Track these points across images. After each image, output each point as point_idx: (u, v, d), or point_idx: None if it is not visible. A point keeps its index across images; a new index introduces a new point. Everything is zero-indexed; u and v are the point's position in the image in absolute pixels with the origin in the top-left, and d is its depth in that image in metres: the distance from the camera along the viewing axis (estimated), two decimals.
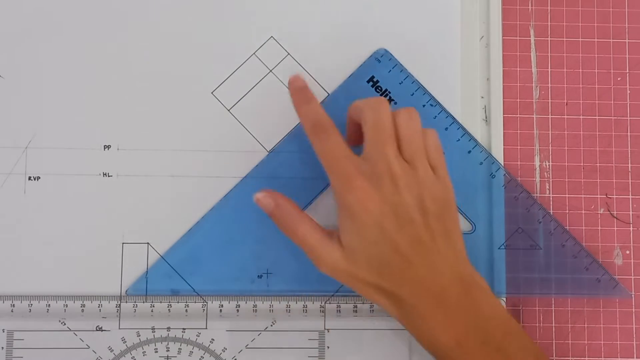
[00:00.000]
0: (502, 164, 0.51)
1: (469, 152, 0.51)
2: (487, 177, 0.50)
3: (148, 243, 0.49)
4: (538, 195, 0.51)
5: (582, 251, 0.50)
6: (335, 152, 0.44)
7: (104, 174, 0.50)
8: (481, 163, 0.50)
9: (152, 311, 0.49)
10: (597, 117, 0.52)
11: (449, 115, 0.51)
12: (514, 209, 0.50)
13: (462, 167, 0.50)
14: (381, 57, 0.51)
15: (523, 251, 0.50)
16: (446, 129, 0.51)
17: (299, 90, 0.46)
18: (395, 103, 0.51)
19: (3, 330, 0.48)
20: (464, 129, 0.51)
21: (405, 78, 0.51)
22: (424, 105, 0.51)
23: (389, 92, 0.51)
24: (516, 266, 0.49)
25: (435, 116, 0.51)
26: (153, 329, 0.49)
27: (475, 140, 0.51)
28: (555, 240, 0.50)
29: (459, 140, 0.51)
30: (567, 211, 0.51)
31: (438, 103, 0.51)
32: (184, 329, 0.49)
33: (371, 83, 0.51)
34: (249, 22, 0.52)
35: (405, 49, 0.52)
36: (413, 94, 0.51)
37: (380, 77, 0.51)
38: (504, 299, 0.50)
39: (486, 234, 0.50)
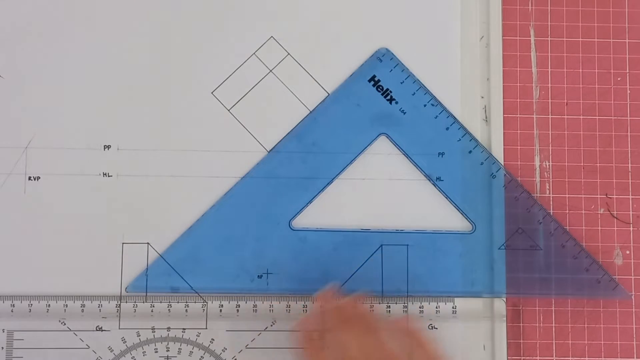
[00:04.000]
0: (502, 164, 0.51)
1: (470, 152, 0.51)
2: (487, 177, 0.50)
3: (148, 243, 0.49)
4: (538, 195, 0.51)
5: (582, 252, 0.50)
6: None
7: (104, 174, 0.50)
8: (482, 163, 0.50)
9: (152, 311, 0.49)
10: (597, 117, 0.52)
11: (450, 115, 0.51)
12: (514, 210, 0.50)
13: (463, 167, 0.50)
14: (382, 57, 0.51)
15: (523, 251, 0.50)
16: (447, 128, 0.51)
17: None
18: (397, 102, 0.51)
19: (3, 330, 0.48)
20: (464, 129, 0.51)
21: (407, 78, 0.51)
22: (425, 105, 0.51)
23: (390, 92, 0.51)
24: (516, 266, 0.49)
25: (436, 116, 0.51)
26: (153, 329, 0.49)
27: (476, 141, 0.51)
28: (555, 241, 0.50)
29: (459, 140, 0.51)
30: (567, 211, 0.51)
31: (439, 103, 0.51)
32: (184, 329, 0.49)
33: (372, 82, 0.51)
34: (249, 22, 0.52)
35: (405, 49, 0.52)
36: (414, 93, 0.51)
37: (382, 77, 0.51)
38: (504, 299, 0.50)
39: (486, 234, 0.50)
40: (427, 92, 0.51)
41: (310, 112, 0.51)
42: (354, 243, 0.50)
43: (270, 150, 0.50)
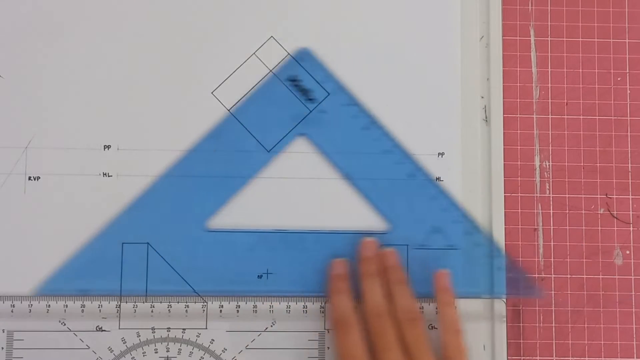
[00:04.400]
0: (502, 164, 0.51)
1: (388, 151, 0.50)
2: (405, 176, 0.50)
3: (148, 243, 0.49)
4: (538, 195, 0.51)
5: (500, 251, 0.50)
6: (352, 351, 0.45)
7: (104, 174, 0.50)
8: (399, 162, 0.50)
9: (152, 311, 0.49)
10: (597, 117, 0.52)
11: (369, 114, 0.51)
12: (430, 209, 0.50)
13: (381, 166, 0.50)
14: (303, 56, 0.51)
15: (440, 251, 0.50)
16: (365, 128, 0.50)
17: (336, 278, 0.48)
18: (316, 102, 0.50)
19: (3, 331, 0.48)
20: (383, 128, 0.51)
21: (327, 77, 0.51)
22: (344, 105, 0.51)
23: (310, 92, 0.51)
24: (436, 266, 0.49)
25: (355, 115, 0.51)
26: (153, 329, 0.49)
27: (394, 140, 0.50)
28: (472, 240, 0.50)
29: (377, 139, 0.50)
30: (567, 211, 0.51)
31: (357, 103, 0.51)
32: (184, 329, 0.49)
33: (292, 82, 0.51)
34: (249, 22, 0.52)
35: (405, 49, 0.52)
36: (334, 93, 0.51)
37: (302, 76, 0.51)
38: (504, 300, 0.50)
39: (404, 234, 0.50)
40: (347, 92, 0.51)
41: (229, 111, 0.50)
42: (270, 243, 0.49)
43: (189, 150, 0.50)
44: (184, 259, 0.49)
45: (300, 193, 0.50)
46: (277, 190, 0.50)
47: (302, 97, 0.51)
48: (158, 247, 0.49)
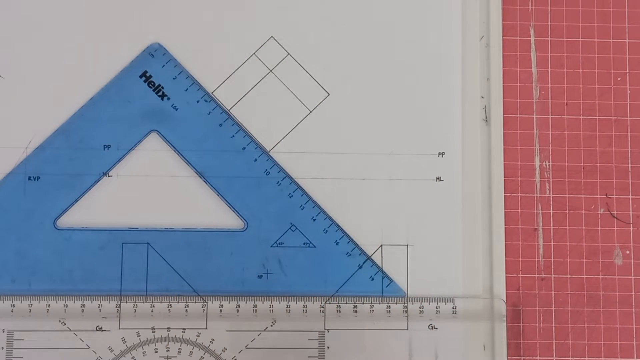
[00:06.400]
0: (502, 164, 0.51)
1: (244, 148, 0.50)
2: (261, 173, 0.50)
3: (148, 243, 0.49)
4: (538, 195, 0.51)
5: (355, 249, 0.50)
6: None
7: (105, 174, 0.50)
8: (255, 160, 0.50)
9: (152, 311, 0.49)
10: (597, 117, 0.52)
11: (224, 111, 0.50)
12: (287, 207, 0.50)
13: (236, 163, 0.50)
14: (155, 52, 0.51)
15: (297, 249, 0.50)
16: (220, 125, 0.50)
17: None
18: (169, 99, 0.50)
19: (3, 330, 0.48)
20: (239, 125, 0.50)
21: (180, 73, 0.50)
22: (197, 101, 0.50)
23: (162, 88, 0.50)
24: (293, 264, 0.49)
25: (210, 112, 0.50)
26: (153, 329, 0.49)
27: (251, 137, 0.50)
28: (329, 239, 0.50)
29: (233, 136, 0.50)
30: (567, 211, 0.51)
31: (213, 98, 0.50)
32: (184, 329, 0.49)
33: (144, 78, 0.50)
34: (249, 22, 0.52)
35: (405, 49, 0.52)
36: (187, 89, 0.50)
37: (154, 72, 0.50)
38: (504, 299, 0.50)
39: (259, 232, 0.50)
40: (201, 87, 0.50)
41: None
42: (122, 242, 0.49)
43: (36, 148, 0.50)
44: (31, 257, 0.49)
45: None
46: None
47: (153, 94, 0.50)
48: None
